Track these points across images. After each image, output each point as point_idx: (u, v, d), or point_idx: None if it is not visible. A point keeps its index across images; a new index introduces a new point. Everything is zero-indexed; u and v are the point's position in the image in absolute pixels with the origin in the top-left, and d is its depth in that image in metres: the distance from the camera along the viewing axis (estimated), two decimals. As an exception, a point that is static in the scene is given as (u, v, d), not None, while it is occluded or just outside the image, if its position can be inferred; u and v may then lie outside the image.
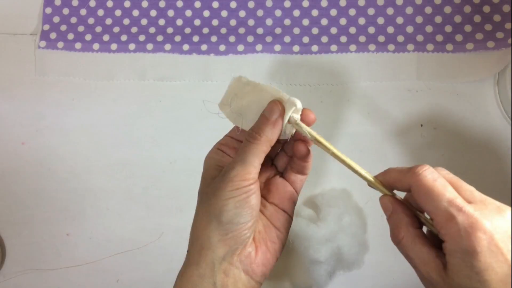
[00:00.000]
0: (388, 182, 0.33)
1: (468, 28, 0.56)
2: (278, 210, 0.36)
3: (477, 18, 0.56)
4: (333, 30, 0.58)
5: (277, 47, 0.58)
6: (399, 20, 0.57)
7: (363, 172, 0.35)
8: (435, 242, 0.30)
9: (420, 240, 0.30)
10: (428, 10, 0.57)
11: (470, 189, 0.30)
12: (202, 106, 0.57)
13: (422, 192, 0.29)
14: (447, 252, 0.28)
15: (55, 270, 0.54)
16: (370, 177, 0.34)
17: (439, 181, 0.29)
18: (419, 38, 0.56)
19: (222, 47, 0.58)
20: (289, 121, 0.34)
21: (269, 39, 0.58)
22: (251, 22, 0.59)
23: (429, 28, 0.57)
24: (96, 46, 0.59)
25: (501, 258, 0.26)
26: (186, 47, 0.58)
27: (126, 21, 0.60)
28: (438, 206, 0.28)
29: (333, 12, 0.58)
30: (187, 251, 0.34)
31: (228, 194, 0.32)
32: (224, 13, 0.59)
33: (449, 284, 0.27)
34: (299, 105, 0.33)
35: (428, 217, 0.31)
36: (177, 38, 0.59)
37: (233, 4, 0.60)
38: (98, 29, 0.60)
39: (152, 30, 0.60)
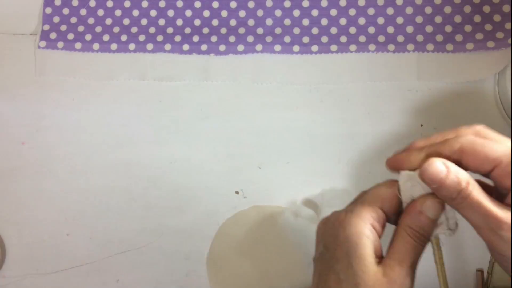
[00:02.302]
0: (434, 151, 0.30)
1: (468, 28, 0.56)
2: None
3: (477, 18, 0.56)
4: (333, 30, 0.58)
5: (277, 47, 0.58)
6: (399, 20, 0.57)
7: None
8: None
9: (488, 195, 0.27)
10: (428, 10, 0.57)
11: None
12: (202, 106, 0.57)
13: (478, 143, 0.28)
14: None
15: (55, 270, 0.54)
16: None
17: (490, 132, 0.29)
18: (419, 38, 0.56)
19: (222, 47, 0.58)
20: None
21: (269, 39, 0.58)
22: (251, 22, 0.59)
23: (429, 28, 0.57)
24: (96, 46, 0.59)
25: None
26: (186, 47, 0.58)
27: (126, 21, 0.60)
28: (501, 147, 0.27)
29: (333, 12, 0.58)
30: None
31: None
32: (224, 13, 0.59)
33: None
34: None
35: None
36: (177, 38, 0.59)
37: (233, 4, 0.60)
38: (98, 29, 0.60)
39: (152, 30, 0.60)
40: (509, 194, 0.28)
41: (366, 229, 0.29)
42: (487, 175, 0.29)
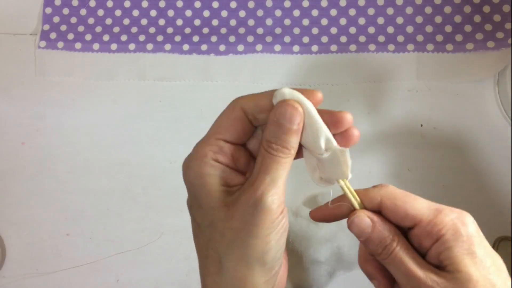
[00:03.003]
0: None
1: (468, 28, 0.56)
2: None
3: (477, 18, 0.56)
4: (333, 30, 0.58)
5: (277, 47, 0.58)
6: (399, 20, 0.57)
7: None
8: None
9: (412, 248, 0.28)
10: (428, 10, 0.57)
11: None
12: (202, 106, 0.57)
13: (399, 198, 0.28)
14: (443, 247, 0.26)
15: (55, 270, 0.54)
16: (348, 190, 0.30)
17: (407, 192, 0.28)
18: (419, 38, 0.56)
19: (222, 47, 0.58)
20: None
21: (269, 39, 0.58)
22: (251, 22, 0.59)
23: (429, 28, 0.57)
24: (96, 46, 0.59)
25: (487, 245, 0.27)
26: (186, 47, 0.58)
27: (126, 21, 0.60)
28: (421, 206, 0.27)
29: (333, 12, 0.58)
30: None
31: (268, 229, 0.26)
32: (224, 13, 0.59)
33: (456, 284, 0.26)
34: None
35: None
36: (177, 38, 0.59)
37: (233, 4, 0.60)
38: (98, 29, 0.60)
39: (152, 30, 0.60)
40: (428, 252, 0.27)
41: (206, 167, 0.27)
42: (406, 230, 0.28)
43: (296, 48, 0.58)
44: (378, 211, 0.29)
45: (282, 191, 0.27)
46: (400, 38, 0.57)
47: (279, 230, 0.27)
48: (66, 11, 0.61)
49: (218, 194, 0.28)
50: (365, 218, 0.28)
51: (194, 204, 0.29)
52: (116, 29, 0.60)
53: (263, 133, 0.28)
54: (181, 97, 0.58)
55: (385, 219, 0.29)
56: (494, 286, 0.26)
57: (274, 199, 0.26)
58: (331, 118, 0.29)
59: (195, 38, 0.59)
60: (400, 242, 0.27)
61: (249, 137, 0.30)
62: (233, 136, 0.29)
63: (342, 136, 0.29)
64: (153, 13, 0.60)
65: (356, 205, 0.29)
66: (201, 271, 0.29)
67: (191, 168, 0.28)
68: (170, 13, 0.60)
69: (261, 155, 0.27)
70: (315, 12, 0.58)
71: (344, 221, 0.50)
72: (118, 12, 0.61)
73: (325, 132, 0.28)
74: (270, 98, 0.28)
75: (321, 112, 0.29)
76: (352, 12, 0.58)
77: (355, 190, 0.30)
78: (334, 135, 0.29)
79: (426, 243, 0.27)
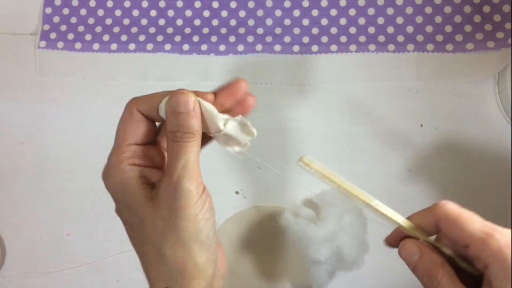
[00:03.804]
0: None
1: (468, 28, 0.56)
2: None
3: (477, 18, 0.56)
4: (333, 30, 0.58)
5: (277, 47, 0.58)
6: (399, 20, 0.57)
7: (390, 215, 0.31)
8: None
9: (458, 278, 0.28)
10: (428, 10, 0.57)
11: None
12: (202, 106, 0.57)
13: (452, 219, 0.28)
14: (490, 274, 0.26)
15: (55, 270, 0.54)
16: (402, 221, 0.30)
17: (463, 209, 0.29)
18: (419, 38, 0.56)
19: (222, 47, 0.58)
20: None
21: (269, 39, 0.58)
22: (251, 22, 0.59)
23: (429, 28, 0.57)
24: (96, 46, 0.59)
25: None
26: (186, 47, 0.58)
27: (126, 21, 0.60)
28: (473, 228, 0.27)
29: (333, 12, 0.58)
30: None
31: (194, 210, 0.28)
32: (224, 13, 0.59)
33: None
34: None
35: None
36: (177, 38, 0.59)
37: (233, 4, 0.60)
38: (98, 29, 0.60)
39: (152, 30, 0.60)
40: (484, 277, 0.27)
41: (124, 173, 0.29)
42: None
43: (296, 48, 0.58)
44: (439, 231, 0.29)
45: (197, 173, 0.29)
46: (400, 38, 0.57)
47: (206, 209, 0.29)
48: (66, 11, 0.61)
49: (142, 192, 0.29)
50: (413, 246, 0.29)
51: (123, 208, 0.30)
52: (116, 29, 0.60)
53: (166, 126, 0.29)
54: (181, 97, 0.57)
55: (434, 249, 0.29)
56: None
57: (191, 181, 0.28)
58: (228, 88, 0.31)
59: (195, 38, 0.59)
60: (445, 274, 0.28)
61: (155, 134, 0.32)
62: (140, 138, 0.30)
63: (240, 104, 0.31)
64: (153, 13, 0.60)
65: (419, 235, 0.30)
66: (144, 269, 0.31)
67: (111, 176, 0.30)
68: (170, 13, 0.60)
69: (169, 146, 0.29)
70: (315, 12, 0.58)
71: (344, 221, 0.50)
72: (118, 12, 0.61)
73: (219, 115, 0.30)
74: (162, 98, 0.30)
75: (219, 88, 0.31)
76: (352, 12, 0.58)
77: (414, 214, 0.30)
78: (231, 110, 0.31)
79: (480, 267, 0.27)
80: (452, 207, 0.28)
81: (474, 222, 0.27)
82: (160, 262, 0.29)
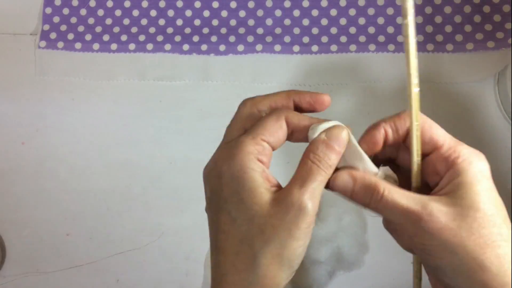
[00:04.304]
0: (379, 139, 0.31)
1: (468, 28, 0.56)
2: None
3: (477, 18, 0.56)
4: (333, 30, 0.58)
5: (277, 47, 0.58)
6: (399, 20, 0.57)
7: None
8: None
9: (399, 186, 0.28)
10: (428, 10, 0.57)
11: None
12: (202, 106, 0.57)
13: (426, 123, 0.30)
14: (456, 174, 0.27)
15: (55, 270, 0.54)
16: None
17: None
18: (419, 38, 0.56)
19: (222, 47, 0.58)
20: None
21: (269, 39, 0.58)
22: (251, 22, 0.59)
23: (429, 28, 0.57)
24: (96, 46, 0.59)
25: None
26: (186, 47, 0.58)
27: (126, 21, 0.60)
28: (445, 134, 0.30)
29: (333, 12, 0.58)
30: None
31: (305, 233, 0.27)
32: (224, 13, 0.59)
33: (457, 211, 0.26)
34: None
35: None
36: (177, 38, 0.59)
37: (233, 4, 0.60)
38: (98, 29, 0.60)
39: (152, 30, 0.60)
40: (440, 181, 0.28)
41: (251, 163, 0.28)
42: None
43: (296, 48, 0.58)
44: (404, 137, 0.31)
45: (318, 202, 0.28)
46: (400, 38, 0.57)
47: (310, 236, 0.28)
48: (66, 11, 0.61)
49: (262, 191, 0.28)
50: (344, 175, 0.29)
51: (233, 197, 0.28)
52: (116, 29, 0.60)
53: (309, 147, 0.29)
54: (181, 97, 0.58)
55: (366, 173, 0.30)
56: (498, 215, 0.26)
57: (316, 206, 0.27)
58: (312, 99, 0.32)
59: (195, 38, 0.59)
60: (386, 186, 0.28)
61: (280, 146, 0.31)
62: (275, 141, 0.30)
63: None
64: (153, 13, 0.60)
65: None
66: (224, 269, 0.29)
67: (235, 160, 0.28)
68: (170, 13, 0.60)
69: (307, 164, 0.28)
70: (315, 12, 0.58)
71: (344, 221, 0.50)
72: (118, 12, 0.61)
73: (364, 158, 0.30)
74: (310, 122, 0.30)
75: (303, 93, 0.32)
76: (352, 12, 0.58)
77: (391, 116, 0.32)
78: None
79: (441, 168, 0.28)
80: (426, 118, 0.30)
81: (444, 132, 0.30)
82: (248, 268, 0.28)
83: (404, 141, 0.31)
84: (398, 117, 0.32)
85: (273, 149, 0.30)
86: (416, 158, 0.30)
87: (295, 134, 0.30)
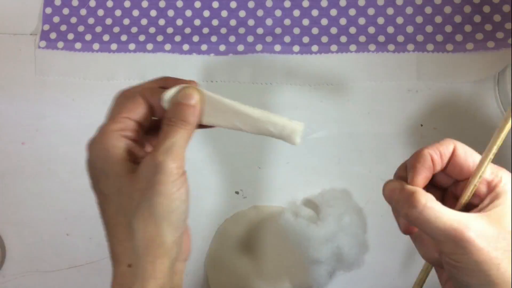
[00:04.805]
0: (429, 163, 0.32)
1: (468, 28, 0.56)
2: None
3: (477, 18, 0.56)
4: (333, 30, 0.58)
5: (277, 47, 0.58)
6: (399, 20, 0.57)
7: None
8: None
9: (438, 202, 0.29)
10: (428, 10, 0.57)
11: None
12: (202, 106, 0.57)
13: (469, 151, 0.31)
14: (502, 194, 0.29)
15: (55, 270, 0.54)
16: None
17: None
18: (419, 38, 0.56)
19: (222, 47, 0.58)
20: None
21: (269, 39, 0.58)
22: (251, 22, 0.59)
23: (429, 28, 0.57)
24: (96, 46, 0.59)
25: None
26: (186, 47, 0.58)
27: (126, 21, 0.60)
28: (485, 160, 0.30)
29: (333, 12, 0.58)
30: (129, 265, 0.30)
31: (171, 188, 0.29)
32: (224, 13, 0.59)
33: (495, 234, 0.27)
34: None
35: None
36: (177, 38, 0.59)
37: (233, 4, 0.60)
38: (98, 29, 0.60)
39: (152, 30, 0.60)
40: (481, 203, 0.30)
41: (112, 140, 0.30)
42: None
43: (296, 48, 0.58)
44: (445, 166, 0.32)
45: (181, 156, 0.30)
46: (400, 38, 0.57)
47: (183, 191, 0.30)
48: (66, 11, 0.61)
49: (124, 163, 0.30)
50: (393, 182, 0.31)
51: (101, 176, 0.31)
52: (116, 29, 0.60)
53: (165, 114, 0.31)
54: (181, 97, 0.58)
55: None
56: None
57: (174, 160, 0.29)
58: (177, 83, 0.33)
59: (195, 38, 0.59)
60: (429, 197, 0.29)
61: (151, 121, 0.33)
62: (138, 116, 0.32)
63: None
64: (153, 13, 0.60)
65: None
66: (110, 244, 0.31)
67: (96, 143, 0.31)
68: (170, 13, 0.60)
69: (162, 130, 0.31)
70: (315, 12, 0.58)
71: (344, 221, 0.50)
72: (118, 12, 0.61)
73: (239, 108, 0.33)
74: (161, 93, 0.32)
75: (170, 78, 0.34)
76: (352, 12, 0.58)
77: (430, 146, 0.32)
78: None
79: (482, 190, 0.30)
80: (461, 144, 0.31)
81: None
82: (128, 236, 0.29)
83: (446, 167, 0.32)
84: (440, 145, 0.32)
85: (141, 123, 0.32)
86: (477, 179, 0.31)
87: (156, 109, 0.32)
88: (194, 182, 0.58)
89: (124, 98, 0.33)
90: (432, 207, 0.28)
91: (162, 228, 0.29)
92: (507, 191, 0.29)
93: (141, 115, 0.32)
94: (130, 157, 0.31)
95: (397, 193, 0.30)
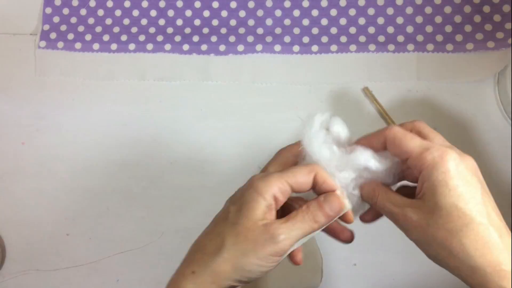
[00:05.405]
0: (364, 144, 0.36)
1: (468, 28, 0.56)
2: None
3: (477, 18, 0.56)
4: (333, 30, 0.58)
5: (277, 47, 0.58)
6: (399, 20, 0.57)
7: None
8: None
9: (393, 192, 0.34)
10: (428, 10, 0.57)
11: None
12: (202, 106, 0.57)
13: (397, 138, 0.32)
14: (424, 179, 0.31)
15: (55, 270, 0.54)
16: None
17: (408, 131, 0.33)
18: (419, 38, 0.56)
19: (222, 47, 0.58)
20: None
21: (269, 39, 0.58)
22: (251, 22, 0.59)
23: (429, 28, 0.57)
24: (96, 46, 0.59)
25: (470, 179, 0.31)
26: (186, 47, 0.58)
27: (126, 21, 0.60)
28: (413, 144, 0.32)
29: (333, 12, 0.58)
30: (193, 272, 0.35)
31: (265, 257, 0.31)
32: (224, 13, 0.59)
33: (426, 211, 0.31)
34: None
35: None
36: (177, 38, 0.59)
37: (233, 4, 0.60)
38: (98, 29, 0.60)
39: (152, 30, 0.60)
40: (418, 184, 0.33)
41: (267, 194, 0.32)
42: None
43: (296, 48, 0.58)
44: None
45: (293, 242, 0.32)
46: (400, 38, 0.57)
47: (272, 267, 0.32)
48: (66, 11, 0.61)
49: (258, 213, 0.32)
50: (371, 184, 0.35)
51: (237, 205, 0.33)
52: (116, 29, 0.60)
53: (310, 201, 0.34)
54: (181, 97, 0.58)
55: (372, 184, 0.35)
56: (459, 210, 0.30)
57: (287, 243, 0.32)
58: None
59: (195, 38, 0.59)
60: (381, 193, 0.34)
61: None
62: (298, 188, 0.33)
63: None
64: (153, 13, 0.60)
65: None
66: (197, 246, 0.36)
67: (258, 187, 0.33)
68: (170, 13, 0.60)
69: (299, 210, 0.33)
70: (315, 12, 0.58)
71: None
72: (118, 12, 0.61)
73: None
74: (333, 187, 0.34)
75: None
76: (352, 12, 0.58)
77: (366, 136, 0.36)
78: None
79: (416, 174, 0.32)
80: (398, 130, 0.33)
81: (415, 140, 0.32)
82: (215, 253, 0.33)
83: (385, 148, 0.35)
84: (372, 137, 0.36)
85: (294, 192, 0.34)
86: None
87: (317, 190, 0.35)
88: (194, 182, 0.58)
89: (303, 170, 0.34)
90: (381, 197, 0.34)
91: (233, 273, 0.32)
92: (429, 174, 0.31)
93: (301, 190, 0.34)
94: (264, 213, 0.33)
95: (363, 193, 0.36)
